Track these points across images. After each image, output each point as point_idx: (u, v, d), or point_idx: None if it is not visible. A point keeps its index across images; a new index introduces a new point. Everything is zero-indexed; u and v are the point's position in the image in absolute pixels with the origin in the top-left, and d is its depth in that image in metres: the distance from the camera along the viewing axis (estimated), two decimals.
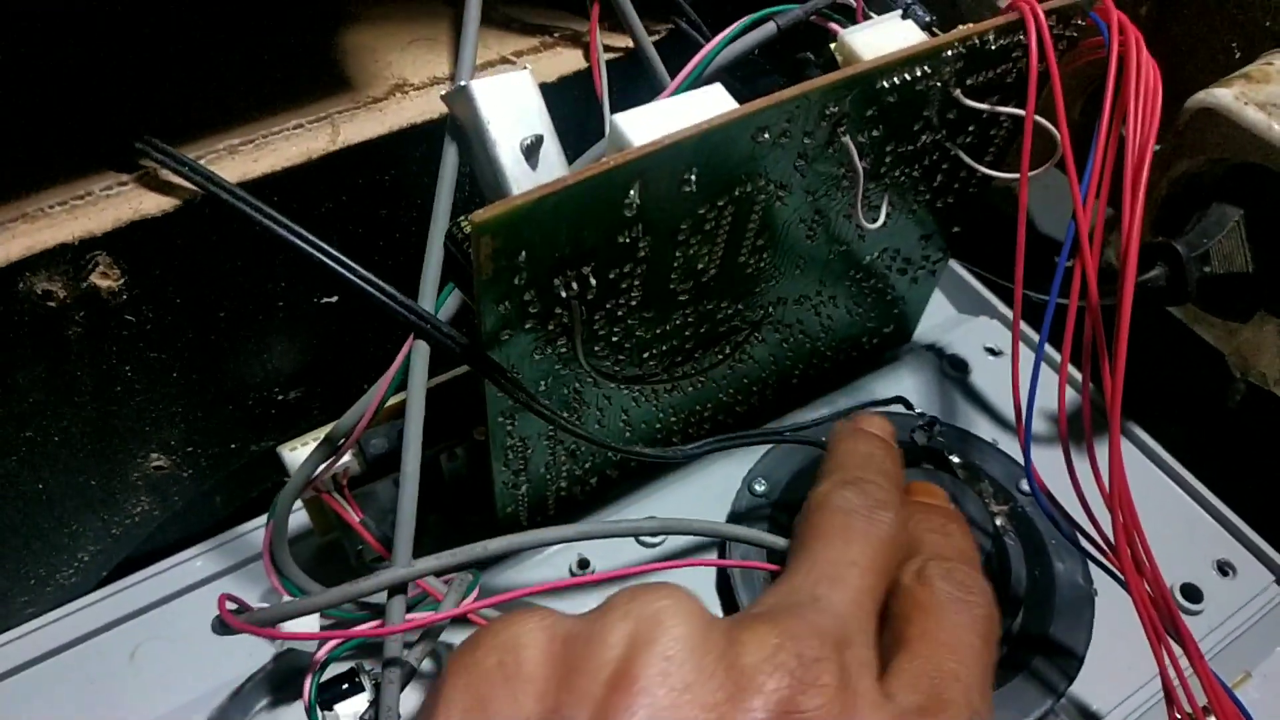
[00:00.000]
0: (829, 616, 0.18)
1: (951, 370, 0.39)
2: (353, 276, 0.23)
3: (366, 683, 0.24)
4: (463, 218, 0.25)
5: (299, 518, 0.31)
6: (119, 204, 0.24)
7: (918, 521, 0.24)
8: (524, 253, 0.22)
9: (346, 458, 0.28)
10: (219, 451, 0.30)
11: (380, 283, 0.23)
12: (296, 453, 0.29)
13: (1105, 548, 0.27)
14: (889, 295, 0.36)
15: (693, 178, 0.23)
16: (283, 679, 0.31)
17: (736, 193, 0.25)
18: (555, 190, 0.21)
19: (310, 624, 0.29)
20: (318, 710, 0.23)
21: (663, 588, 0.16)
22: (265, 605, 0.25)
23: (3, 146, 0.23)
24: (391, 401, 0.28)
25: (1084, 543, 0.28)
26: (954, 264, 0.41)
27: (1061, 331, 0.27)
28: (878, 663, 0.18)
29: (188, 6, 0.27)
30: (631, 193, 0.23)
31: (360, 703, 0.24)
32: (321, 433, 0.27)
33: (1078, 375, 0.29)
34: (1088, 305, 0.26)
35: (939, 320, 0.41)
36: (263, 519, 0.32)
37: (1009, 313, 0.40)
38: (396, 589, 0.23)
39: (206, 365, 0.28)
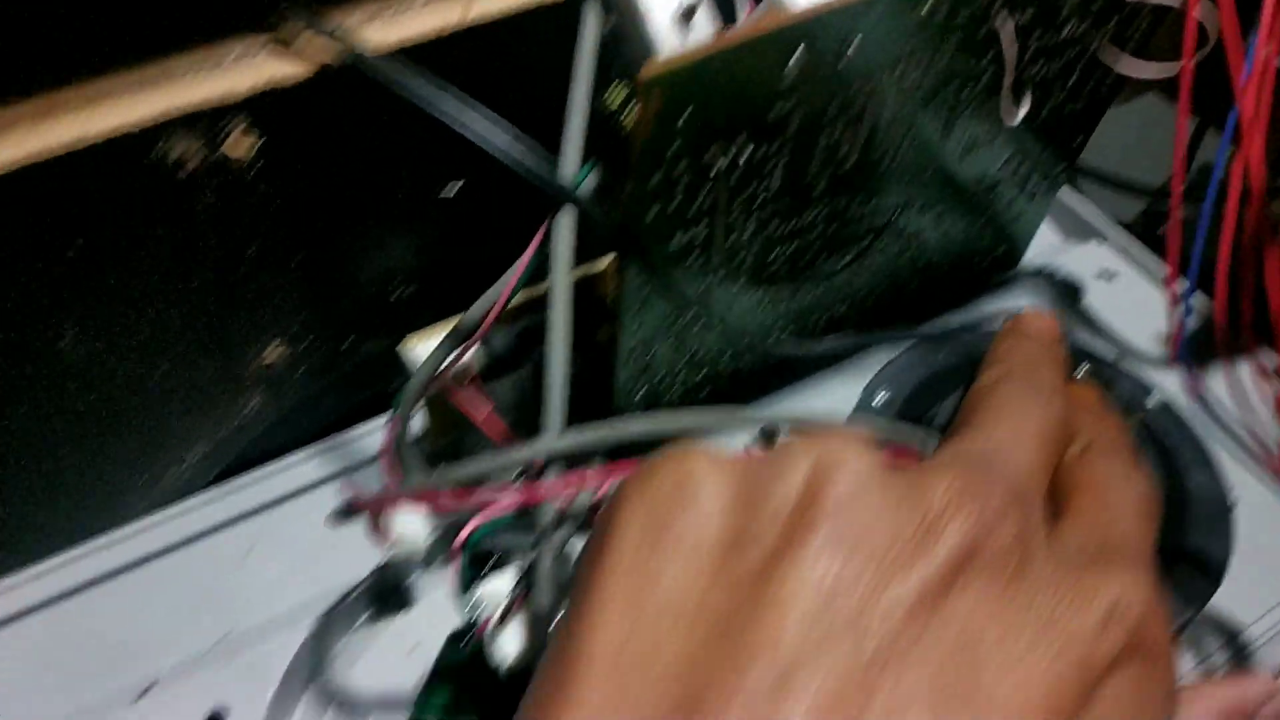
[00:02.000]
0: (1010, 476, 0.17)
1: (1065, 294, 0.37)
2: (497, 143, 0.22)
3: (512, 560, 0.24)
4: (608, 90, 0.24)
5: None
6: (256, 68, 0.23)
7: (1077, 413, 0.23)
8: (685, 115, 0.21)
9: (470, 354, 0.27)
10: (331, 349, 0.30)
11: (525, 150, 0.22)
12: (419, 348, 0.28)
13: (1260, 451, 0.26)
14: (1007, 210, 0.35)
15: (853, 47, 0.22)
16: (391, 584, 0.31)
17: (887, 72, 0.24)
18: (725, 47, 0.20)
19: (419, 531, 0.28)
20: (466, 589, 0.23)
21: (840, 432, 0.16)
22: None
23: (145, 7, 0.22)
24: (516, 300, 0.27)
25: (1233, 445, 0.27)
26: (1064, 190, 0.40)
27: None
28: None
29: None
30: (792, 61, 0.22)
31: (506, 581, 0.23)
32: (443, 329, 0.26)
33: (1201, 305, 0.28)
34: (1249, 196, 0.25)
35: (1046, 247, 0.40)
36: (374, 422, 0.32)
37: (1121, 237, 0.39)
38: (554, 457, 0.22)
39: (326, 251, 0.27)
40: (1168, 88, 0.38)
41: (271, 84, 0.23)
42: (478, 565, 0.24)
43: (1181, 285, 0.27)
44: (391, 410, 0.27)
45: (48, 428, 0.26)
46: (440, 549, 0.28)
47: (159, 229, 0.24)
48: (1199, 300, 0.32)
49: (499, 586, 0.23)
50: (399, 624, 0.30)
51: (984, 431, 0.19)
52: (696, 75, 0.20)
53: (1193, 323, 0.35)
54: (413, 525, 0.28)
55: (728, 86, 0.21)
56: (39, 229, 0.22)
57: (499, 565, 0.24)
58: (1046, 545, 0.16)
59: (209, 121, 0.22)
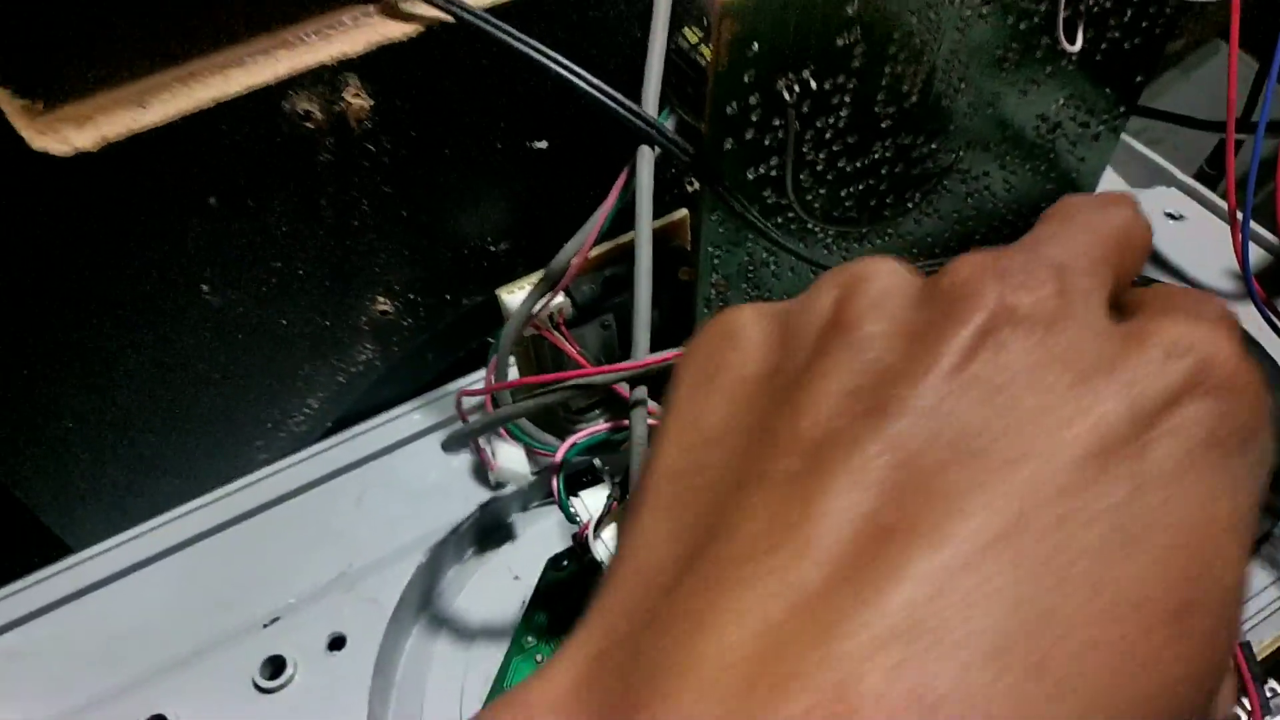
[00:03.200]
0: (1051, 254, 0.15)
1: None
2: (590, 87, 0.25)
3: (604, 473, 0.25)
4: (684, 28, 0.26)
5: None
6: (368, 30, 0.25)
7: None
8: (756, 44, 0.23)
9: (560, 298, 0.29)
10: (435, 301, 0.32)
11: (613, 91, 0.25)
12: (514, 295, 0.30)
13: None
14: (1071, 152, 0.36)
15: None
16: (493, 521, 0.33)
17: (946, 5, 0.26)
18: None
19: (521, 463, 0.30)
20: (567, 497, 0.25)
21: (866, 258, 0.16)
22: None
23: None
24: (596, 252, 0.29)
25: None
26: (1127, 138, 0.41)
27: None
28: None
29: None
30: None
31: (601, 493, 0.25)
32: (535, 278, 0.28)
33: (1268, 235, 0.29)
34: None
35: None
36: (473, 375, 0.34)
37: (1188, 181, 0.40)
38: (639, 379, 0.24)
39: (430, 207, 0.29)
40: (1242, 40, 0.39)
41: (383, 42, 0.25)
42: (574, 483, 0.26)
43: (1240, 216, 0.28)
44: (490, 353, 0.30)
45: (187, 372, 0.29)
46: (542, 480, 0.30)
47: (286, 183, 0.27)
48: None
49: (595, 497, 0.25)
50: (503, 555, 0.32)
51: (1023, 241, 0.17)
52: (765, 4, 0.22)
53: (1267, 257, 0.36)
54: (515, 458, 0.30)
55: (794, 15, 0.23)
56: (184, 182, 0.25)
57: (593, 481, 0.26)
58: (1097, 310, 0.14)
59: (330, 78, 0.25)
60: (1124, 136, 0.41)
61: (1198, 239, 0.38)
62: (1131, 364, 0.13)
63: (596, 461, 0.26)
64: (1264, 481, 0.13)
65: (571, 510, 0.25)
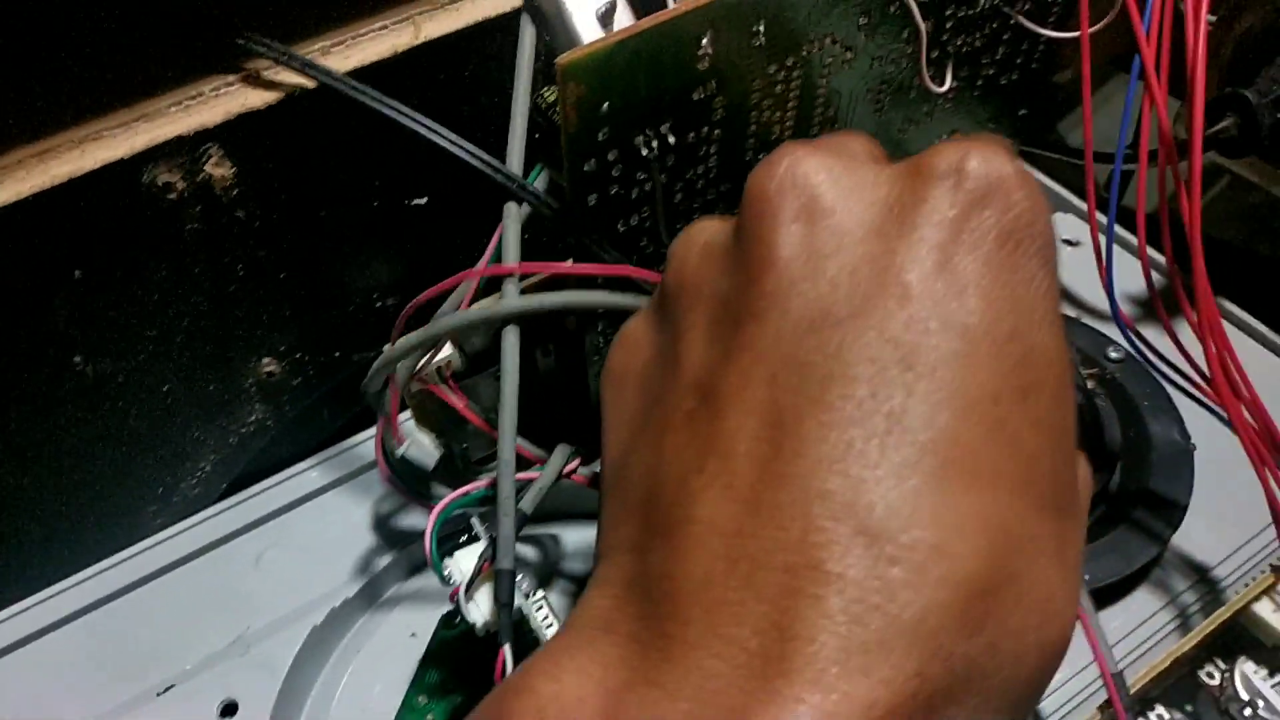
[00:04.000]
0: (822, 147, 0.17)
1: None
2: (453, 146, 0.25)
3: (480, 531, 0.25)
4: (544, 88, 0.26)
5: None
6: (228, 100, 0.25)
7: None
8: (606, 103, 0.23)
9: (447, 350, 0.29)
10: (325, 360, 0.32)
11: (477, 150, 0.25)
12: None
13: (1203, 384, 0.27)
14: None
15: (761, 29, 0.24)
16: (397, 575, 0.33)
17: (804, 52, 0.26)
18: (633, 33, 0.22)
19: (428, 444, 0.30)
20: (440, 559, 0.24)
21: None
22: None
23: (120, 55, 0.25)
24: (481, 303, 0.29)
25: (1179, 380, 0.28)
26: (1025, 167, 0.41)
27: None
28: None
29: None
30: (704, 41, 0.24)
31: (474, 553, 0.25)
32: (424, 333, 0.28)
33: (1158, 257, 0.29)
34: (1160, 139, 0.27)
35: None
36: (369, 431, 0.34)
37: (1084, 205, 0.40)
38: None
39: (309, 267, 0.29)
40: (1128, 66, 0.39)
41: (243, 110, 0.25)
42: (449, 542, 0.26)
43: (1103, 237, 0.28)
44: (379, 413, 0.29)
45: (71, 448, 0.29)
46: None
47: (153, 253, 0.26)
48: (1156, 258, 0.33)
49: (469, 558, 0.25)
50: (398, 613, 0.32)
51: None
52: (607, 63, 0.22)
53: (1155, 281, 0.37)
54: (424, 440, 0.29)
55: (642, 72, 0.23)
56: (45, 257, 0.25)
57: (469, 541, 0.26)
58: (871, 166, 0.17)
59: (189, 148, 0.25)
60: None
61: (1092, 263, 0.38)
62: (919, 198, 0.15)
63: (474, 519, 0.26)
64: (1055, 264, 0.16)
65: (445, 572, 0.24)
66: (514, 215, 0.25)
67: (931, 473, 0.14)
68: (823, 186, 0.16)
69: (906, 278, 0.15)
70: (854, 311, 0.15)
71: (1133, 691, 0.26)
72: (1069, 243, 0.39)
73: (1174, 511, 0.30)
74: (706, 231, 0.18)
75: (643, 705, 0.14)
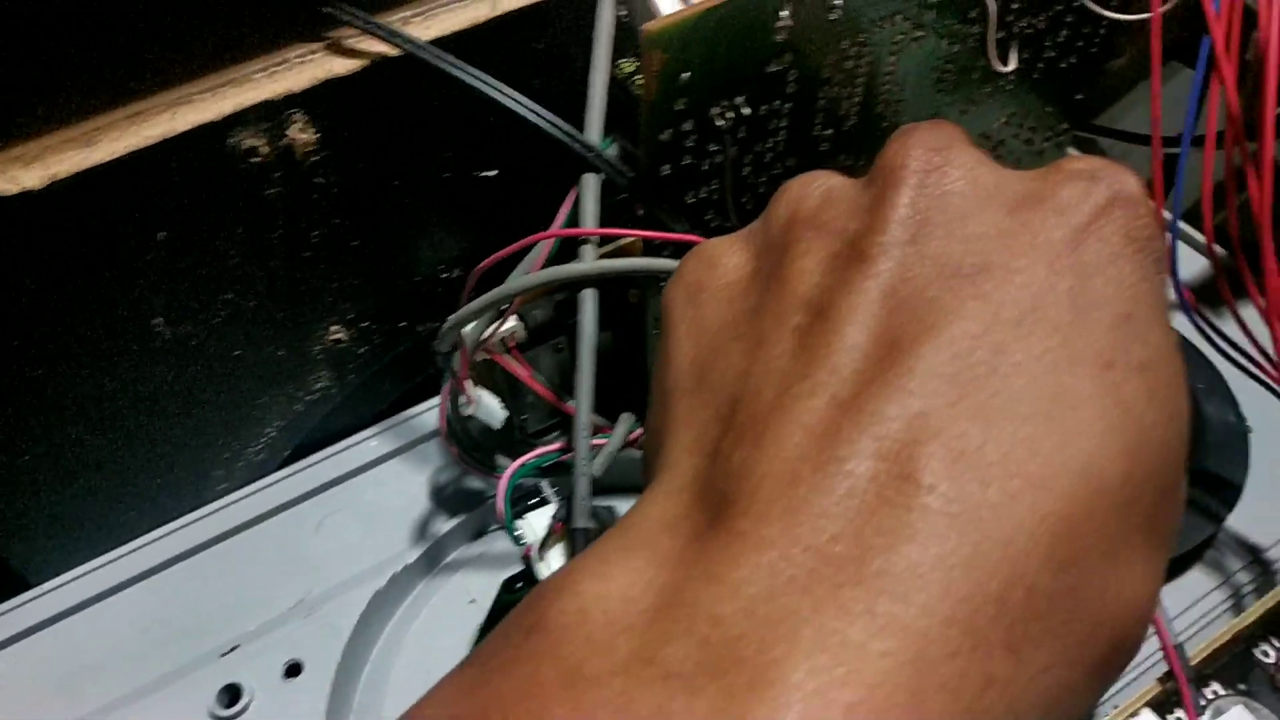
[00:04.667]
0: (946, 129, 0.18)
1: None
2: (533, 114, 0.25)
3: (551, 495, 0.26)
4: (621, 60, 0.27)
5: None
6: (313, 67, 0.26)
7: None
8: (687, 73, 0.24)
9: (512, 322, 0.30)
10: (390, 328, 0.32)
11: (556, 119, 0.25)
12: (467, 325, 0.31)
13: (1269, 367, 0.28)
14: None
15: (839, 3, 0.25)
16: (451, 545, 0.33)
17: (876, 29, 0.27)
18: (718, 2, 0.23)
19: (496, 406, 0.30)
20: (513, 519, 0.25)
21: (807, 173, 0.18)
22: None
23: (211, 21, 0.25)
24: (553, 268, 0.30)
25: (1244, 362, 0.28)
26: (1076, 152, 0.42)
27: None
28: None
29: None
30: (784, 13, 0.24)
31: (546, 514, 0.25)
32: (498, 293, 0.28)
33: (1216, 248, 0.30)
34: (1229, 120, 0.27)
35: None
36: (430, 402, 0.34)
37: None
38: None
39: (381, 236, 0.30)
40: (1184, 55, 0.40)
41: (327, 77, 0.26)
42: (521, 505, 0.27)
43: (1167, 216, 0.29)
44: (443, 380, 0.30)
45: (143, 406, 0.29)
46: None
47: (235, 216, 0.27)
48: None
49: (541, 519, 0.26)
50: (459, 579, 0.32)
51: None
52: (691, 33, 0.23)
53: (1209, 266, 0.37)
54: (491, 400, 0.30)
55: (723, 43, 0.24)
56: (133, 218, 0.26)
57: (540, 504, 0.27)
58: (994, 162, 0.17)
59: (274, 114, 0.26)
60: (1074, 151, 0.41)
61: None
62: (1056, 192, 0.16)
63: (544, 484, 0.27)
64: (1165, 274, 0.16)
65: (517, 532, 0.25)
66: (591, 184, 0.26)
67: (1041, 414, 0.14)
68: (964, 164, 0.16)
69: (1037, 248, 0.15)
70: (984, 266, 0.15)
71: (1194, 664, 0.26)
72: None
73: (1230, 492, 0.30)
74: (830, 179, 0.18)
75: (699, 602, 0.13)
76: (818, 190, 0.17)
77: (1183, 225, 0.36)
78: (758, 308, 0.17)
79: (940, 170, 0.16)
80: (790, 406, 0.15)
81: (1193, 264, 0.36)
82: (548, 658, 0.13)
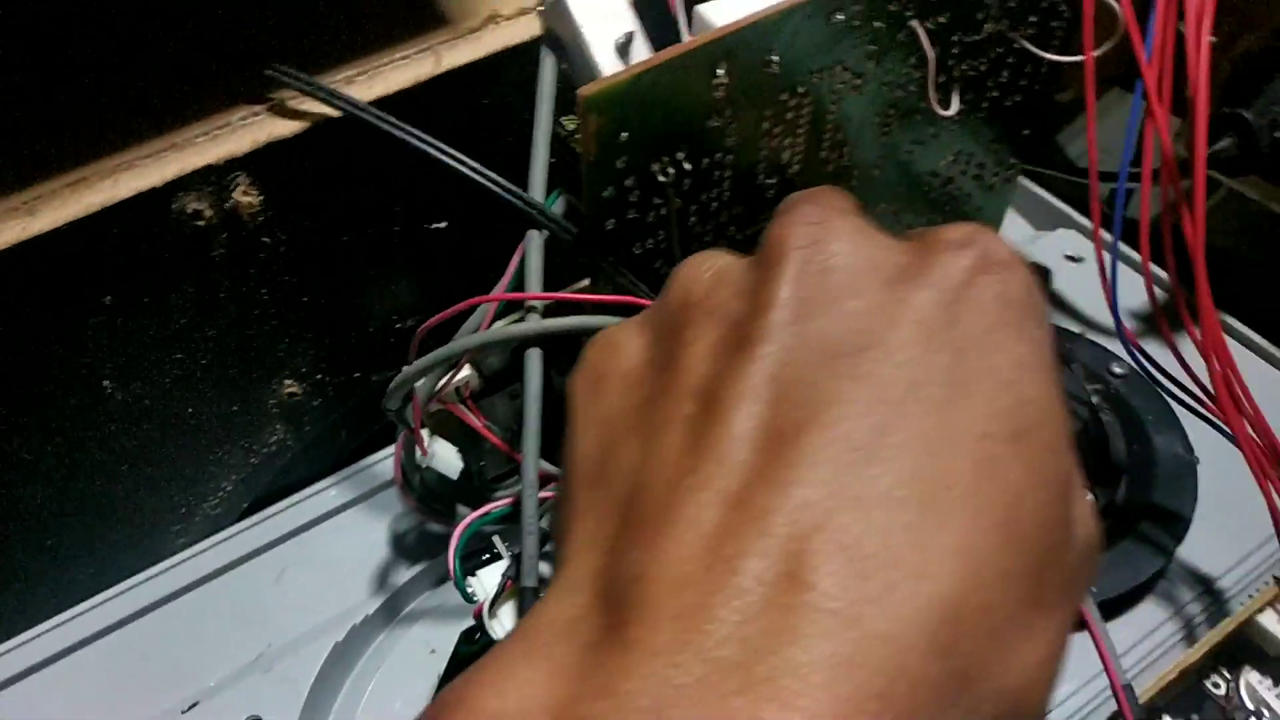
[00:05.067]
0: (826, 204, 0.18)
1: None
2: (475, 174, 0.25)
3: (503, 550, 0.26)
4: (563, 117, 0.27)
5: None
6: (255, 129, 0.26)
7: None
8: (625, 133, 0.24)
9: (466, 371, 0.30)
10: (345, 380, 0.32)
11: (498, 178, 0.25)
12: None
13: (1207, 401, 0.28)
14: (965, 204, 0.37)
15: (775, 58, 0.25)
16: (417, 590, 0.33)
17: (815, 80, 0.27)
18: (652, 65, 0.23)
19: (453, 456, 0.30)
20: (463, 577, 0.25)
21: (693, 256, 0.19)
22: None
23: (151, 86, 0.25)
24: (499, 325, 0.30)
25: (1184, 396, 0.29)
26: (1027, 182, 0.42)
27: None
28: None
29: None
30: (720, 71, 0.24)
31: (497, 571, 0.25)
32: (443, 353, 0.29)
33: (1160, 273, 0.30)
34: (1162, 161, 0.27)
35: (1021, 236, 0.42)
36: (386, 450, 0.34)
37: (1087, 223, 0.41)
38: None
39: (332, 291, 0.30)
40: (1128, 82, 0.40)
41: (270, 140, 0.26)
42: (471, 559, 0.27)
43: (1107, 255, 0.29)
44: (397, 431, 0.30)
45: (96, 465, 0.29)
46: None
47: (181, 278, 0.27)
48: (1161, 275, 0.33)
49: (492, 576, 0.26)
50: (418, 630, 0.32)
51: None
52: (627, 94, 0.23)
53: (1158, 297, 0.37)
54: (448, 450, 0.30)
55: (659, 102, 0.24)
56: (78, 284, 0.26)
57: (493, 559, 0.27)
58: (879, 233, 0.18)
59: (217, 177, 0.26)
60: (1025, 181, 0.42)
61: (1095, 280, 0.39)
62: (929, 263, 0.16)
63: (496, 538, 0.27)
64: (1049, 332, 0.17)
65: (469, 590, 0.25)
66: (536, 242, 0.26)
67: (916, 498, 0.14)
68: (844, 238, 0.17)
69: (915, 323, 0.16)
70: (864, 346, 0.15)
71: (1140, 703, 0.26)
72: (1071, 259, 0.40)
73: (1179, 524, 0.30)
74: (719, 259, 0.18)
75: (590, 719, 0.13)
76: (708, 273, 0.18)
77: (1127, 251, 0.37)
78: (651, 397, 0.17)
79: (820, 245, 0.17)
80: (681, 503, 0.15)
81: (1135, 293, 0.37)
82: None
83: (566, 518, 0.17)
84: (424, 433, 0.29)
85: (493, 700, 0.14)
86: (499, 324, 0.26)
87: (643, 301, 0.25)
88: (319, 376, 0.32)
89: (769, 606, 0.13)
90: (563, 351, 0.31)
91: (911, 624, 0.13)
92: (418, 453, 0.29)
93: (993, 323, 0.16)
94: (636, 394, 0.17)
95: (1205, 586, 0.30)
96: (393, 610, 0.33)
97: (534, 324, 0.25)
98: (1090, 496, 0.19)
